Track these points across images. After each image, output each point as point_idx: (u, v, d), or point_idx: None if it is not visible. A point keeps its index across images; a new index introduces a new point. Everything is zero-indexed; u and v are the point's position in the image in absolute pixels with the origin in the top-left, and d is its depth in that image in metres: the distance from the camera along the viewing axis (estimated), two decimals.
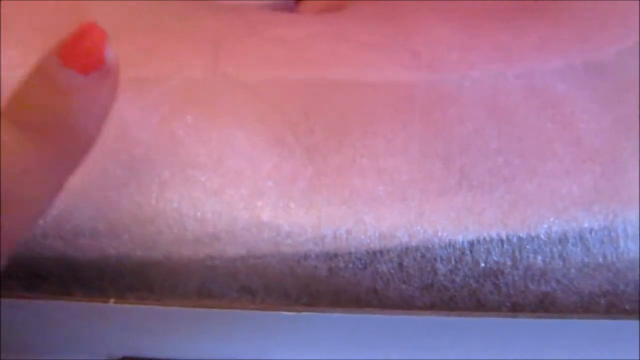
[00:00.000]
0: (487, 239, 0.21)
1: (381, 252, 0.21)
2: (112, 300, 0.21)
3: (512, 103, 0.27)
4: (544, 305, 0.21)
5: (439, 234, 0.21)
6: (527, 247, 0.21)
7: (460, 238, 0.21)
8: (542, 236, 0.21)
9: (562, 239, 0.21)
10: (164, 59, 0.29)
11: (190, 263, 0.22)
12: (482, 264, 0.21)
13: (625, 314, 0.21)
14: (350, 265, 0.21)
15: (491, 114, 0.26)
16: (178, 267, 0.22)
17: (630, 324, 0.20)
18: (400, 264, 0.21)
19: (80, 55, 0.18)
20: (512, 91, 0.28)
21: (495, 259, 0.21)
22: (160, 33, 0.31)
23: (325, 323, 0.21)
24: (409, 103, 0.26)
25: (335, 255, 0.21)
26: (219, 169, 0.22)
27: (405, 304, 0.22)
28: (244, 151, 0.23)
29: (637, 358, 0.20)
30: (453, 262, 0.21)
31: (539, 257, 0.21)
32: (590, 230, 0.21)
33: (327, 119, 0.25)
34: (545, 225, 0.21)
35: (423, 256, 0.21)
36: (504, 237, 0.21)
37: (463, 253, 0.21)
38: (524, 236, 0.21)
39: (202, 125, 0.25)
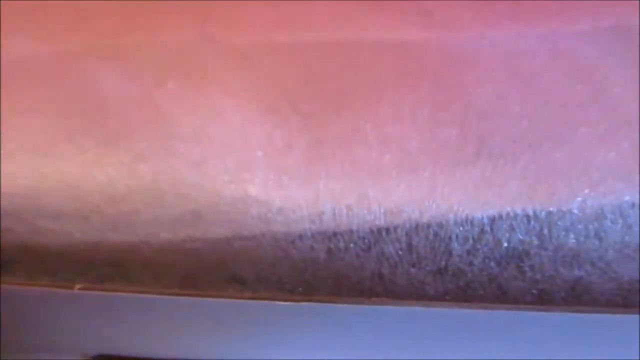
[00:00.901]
0: (511, 214, 0.18)
1: (387, 230, 0.18)
2: (77, 286, 0.18)
3: (536, 65, 0.24)
4: (576, 293, 0.19)
5: (455, 209, 0.18)
6: (558, 224, 0.18)
7: (479, 214, 0.18)
8: (575, 211, 0.18)
9: (599, 215, 0.18)
10: (146, 25, 0.26)
11: (171, 246, 0.19)
12: (505, 244, 0.18)
13: None
14: (352, 245, 0.19)
15: (513, 77, 0.23)
16: (156, 252, 0.19)
17: None
18: (410, 244, 0.18)
19: None
20: (536, 53, 0.25)
21: (520, 237, 0.18)
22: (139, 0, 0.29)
23: (325, 315, 0.18)
24: (418, 65, 0.23)
25: (335, 235, 0.19)
26: (202, 139, 0.20)
27: (414, 291, 0.19)
28: (231, 119, 0.20)
29: None
30: (471, 241, 0.18)
31: (572, 236, 0.18)
32: (632, 205, 0.18)
33: (327, 84, 0.22)
34: (579, 199, 0.18)
35: (436, 234, 0.18)
36: (531, 213, 0.18)
37: (482, 231, 0.18)
38: (554, 211, 0.18)
39: (185, 93, 0.22)
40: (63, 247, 0.20)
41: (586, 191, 0.18)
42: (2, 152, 0.20)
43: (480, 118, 0.21)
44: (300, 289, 0.20)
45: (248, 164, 0.19)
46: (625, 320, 0.18)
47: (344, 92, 0.22)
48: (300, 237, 0.19)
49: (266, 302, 0.18)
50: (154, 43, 0.25)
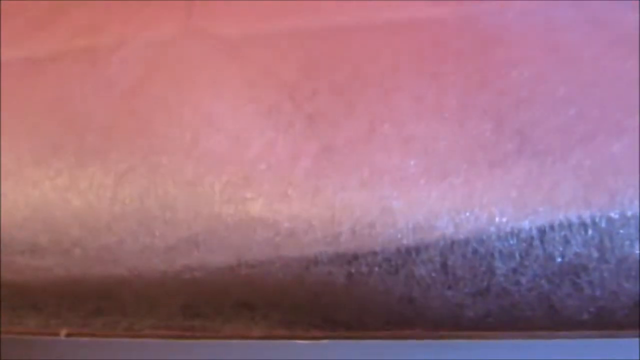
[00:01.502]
0: (564, 223, 0.15)
1: (417, 249, 0.16)
2: (64, 332, 0.16)
3: (574, 39, 0.21)
4: None
5: (497, 220, 0.15)
6: (621, 232, 0.15)
7: (526, 224, 0.15)
8: None
9: None
10: (126, 19, 0.23)
11: (165, 278, 0.17)
12: (559, 259, 0.15)
13: None
14: (376, 269, 0.16)
15: (549, 55, 0.20)
16: (150, 283, 0.17)
17: None
18: (444, 265, 0.16)
19: None
20: (571, 24, 0.21)
21: (577, 250, 0.15)
22: None
23: (349, 352, 0.15)
24: (439, 47, 0.20)
25: (356, 258, 0.16)
26: (193, 152, 0.17)
27: (451, 316, 0.16)
28: (226, 126, 0.18)
29: None
30: (517, 257, 0.15)
31: (637, 246, 0.15)
32: None
33: (335, 76, 0.19)
34: None
35: (475, 252, 0.16)
36: (588, 220, 0.15)
37: (531, 245, 0.15)
38: (616, 217, 0.15)
39: (172, 96, 0.19)
40: (45, 284, 0.17)
41: None
42: None
43: (518, 107, 0.18)
44: (317, 315, 0.17)
45: (249, 180, 0.16)
46: None
47: (354, 85, 0.19)
48: (315, 262, 0.16)
49: (280, 341, 0.16)
50: (135, 40, 0.22)
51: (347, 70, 0.19)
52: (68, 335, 0.16)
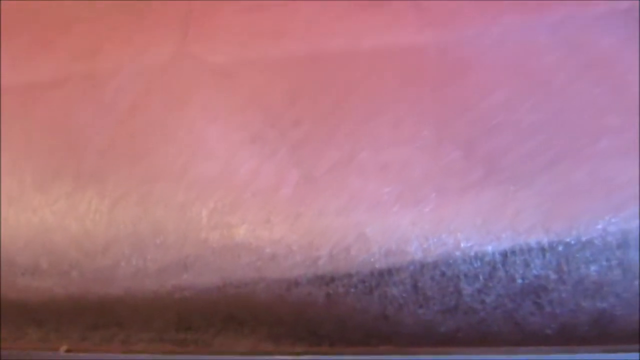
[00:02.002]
0: (525, 248, 0.16)
1: (390, 271, 0.17)
2: (63, 347, 0.17)
3: (546, 64, 0.22)
4: (600, 326, 0.17)
5: (462, 245, 0.17)
6: (577, 255, 0.16)
7: (489, 249, 0.17)
8: (596, 241, 0.16)
9: (622, 243, 0.16)
10: (122, 45, 0.24)
11: (158, 297, 0.18)
12: (520, 280, 0.17)
13: None
14: (353, 290, 0.17)
15: (521, 81, 0.21)
16: (145, 301, 0.18)
17: None
18: (415, 286, 0.17)
19: None
20: (545, 49, 0.22)
21: (536, 272, 0.17)
22: (119, 15, 0.27)
23: None
24: (418, 74, 0.21)
25: (333, 280, 0.17)
26: (184, 179, 0.18)
27: (424, 331, 0.18)
28: (215, 154, 0.19)
29: None
30: (481, 279, 0.17)
31: (593, 268, 0.16)
32: None
33: (317, 104, 0.21)
34: (600, 227, 0.16)
35: (443, 274, 0.17)
36: (546, 245, 0.16)
37: (494, 268, 0.17)
38: (573, 242, 0.16)
39: (165, 122, 0.20)
40: (46, 302, 0.18)
41: (608, 217, 0.17)
42: None
43: (488, 134, 0.19)
44: (301, 327, 0.19)
45: (234, 206, 0.18)
46: None
47: (336, 113, 0.20)
48: (296, 283, 0.17)
49: (264, 356, 0.17)
50: (131, 66, 0.23)
51: (330, 98, 0.20)
52: (68, 351, 0.17)
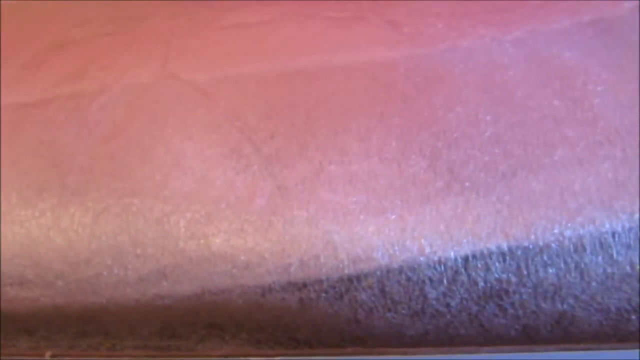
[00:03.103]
0: (485, 252, 0.17)
1: (358, 277, 0.18)
2: (48, 353, 0.18)
3: (510, 78, 0.23)
4: (562, 326, 0.18)
5: (426, 251, 0.18)
6: (536, 259, 0.17)
7: (452, 254, 0.17)
8: (553, 245, 0.17)
9: (578, 247, 0.17)
10: (107, 67, 0.26)
11: (139, 305, 0.19)
12: (482, 284, 0.17)
13: None
14: (324, 295, 0.18)
15: (486, 94, 0.22)
16: (127, 309, 0.19)
17: None
18: (382, 290, 0.18)
19: None
20: (511, 63, 0.24)
21: (497, 276, 0.17)
22: (106, 38, 0.28)
23: None
24: (387, 89, 0.22)
25: (304, 286, 0.18)
26: (162, 193, 0.19)
27: (394, 334, 0.18)
28: (192, 169, 0.20)
29: None
30: (445, 283, 0.18)
31: (551, 271, 0.17)
32: (613, 234, 0.17)
33: (291, 118, 0.22)
34: (556, 231, 0.17)
35: (409, 279, 0.18)
36: (506, 249, 0.17)
37: (457, 272, 0.17)
38: (531, 246, 0.17)
39: (146, 140, 0.21)
40: (34, 311, 0.19)
41: (564, 222, 0.17)
42: None
43: (451, 146, 0.20)
44: (279, 332, 0.19)
45: (210, 217, 0.18)
46: (623, 355, 0.17)
47: (307, 126, 0.21)
48: (270, 289, 0.18)
49: (241, 358, 0.18)
50: (114, 87, 0.24)
51: (303, 113, 0.21)
52: (52, 356, 0.18)
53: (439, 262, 0.17)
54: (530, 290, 0.17)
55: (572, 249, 0.17)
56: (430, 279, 0.17)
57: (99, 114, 0.22)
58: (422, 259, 0.17)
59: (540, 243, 0.17)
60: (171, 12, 0.29)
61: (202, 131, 0.21)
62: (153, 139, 0.21)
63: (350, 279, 0.18)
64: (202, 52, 0.25)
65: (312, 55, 0.25)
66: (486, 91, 0.22)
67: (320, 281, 0.18)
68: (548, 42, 0.24)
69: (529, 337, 0.18)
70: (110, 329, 0.20)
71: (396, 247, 0.18)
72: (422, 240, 0.17)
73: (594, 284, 0.17)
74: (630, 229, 0.17)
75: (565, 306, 0.18)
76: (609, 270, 0.17)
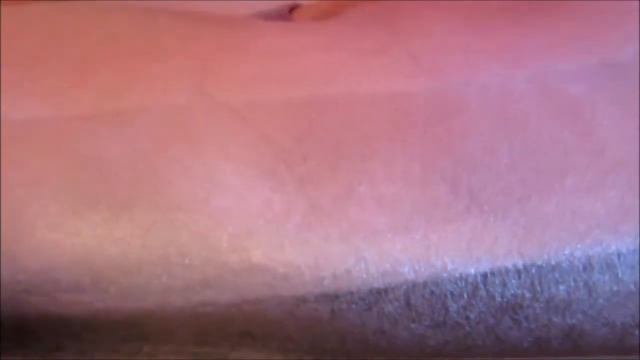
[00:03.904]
0: (502, 270, 0.19)
1: (386, 290, 0.19)
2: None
3: (523, 110, 0.25)
4: (571, 339, 0.19)
5: (448, 267, 0.19)
6: (548, 276, 0.19)
7: (472, 271, 0.19)
8: (564, 264, 0.19)
9: (587, 266, 0.19)
10: (146, 86, 0.28)
11: (182, 312, 0.20)
12: (499, 298, 0.19)
13: None
14: (354, 306, 0.20)
15: (501, 125, 0.24)
16: (170, 315, 0.21)
17: None
18: (408, 303, 0.19)
19: None
20: (524, 96, 0.26)
21: (512, 291, 0.19)
22: (143, 56, 0.30)
23: None
24: (409, 117, 0.24)
25: (337, 297, 0.20)
26: (205, 209, 0.21)
27: (416, 344, 0.20)
28: (231, 187, 0.22)
29: None
30: (466, 297, 0.19)
31: (562, 288, 0.19)
32: (619, 255, 0.19)
33: (322, 142, 0.23)
34: (567, 252, 0.19)
35: (432, 293, 0.19)
36: (521, 267, 0.19)
37: (476, 287, 0.19)
38: (544, 265, 0.19)
39: (186, 159, 0.23)
40: (85, 316, 0.21)
41: (574, 244, 0.19)
42: (21, 227, 0.21)
43: (470, 172, 0.22)
44: (307, 343, 0.21)
45: (250, 232, 0.20)
46: None
47: (337, 150, 0.23)
48: (304, 300, 0.20)
49: None
50: (154, 106, 0.26)
51: (332, 138, 0.23)
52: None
53: (460, 277, 0.19)
54: (542, 305, 0.19)
55: (581, 268, 0.19)
56: (452, 293, 0.19)
57: (140, 131, 0.24)
58: (444, 274, 0.19)
59: (553, 262, 0.19)
60: (203, 36, 0.31)
61: (239, 151, 0.23)
62: (193, 157, 0.23)
63: (378, 292, 0.19)
64: (234, 75, 0.27)
65: (338, 83, 0.27)
66: (501, 122, 0.24)
67: (351, 293, 0.19)
68: (557, 78, 0.26)
69: (540, 349, 0.20)
70: (150, 335, 0.22)
71: (421, 263, 0.19)
72: (445, 258, 0.19)
73: (601, 300, 0.19)
74: (634, 251, 0.19)
75: (574, 320, 0.19)
76: (614, 288, 0.19)
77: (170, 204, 0.21)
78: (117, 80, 0.28)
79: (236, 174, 0.22)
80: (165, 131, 0.25)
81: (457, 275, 0.19)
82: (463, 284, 0.19)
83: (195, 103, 0.27)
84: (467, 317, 0.19)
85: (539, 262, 0.19)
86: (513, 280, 0.19)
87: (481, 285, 0.19)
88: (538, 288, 0.19)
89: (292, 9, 0.40)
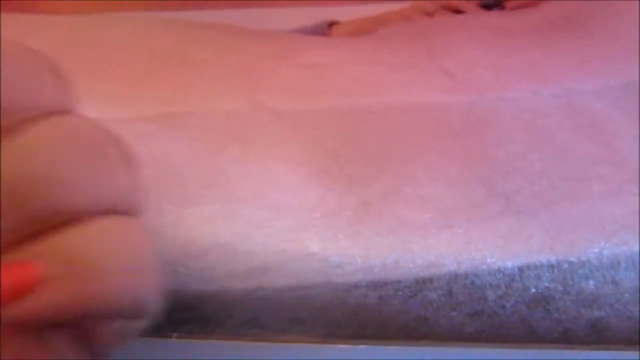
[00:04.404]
0: (537, 264, 0.21)
1: (430, 279, 0.21)
2: (174, 335, 0.22)
3: (551, 124, 0.27)
4: (597, 330, 0.21)
5: (487, 260, 0.21)
6: (578, 272, 0.21)
7: (509, 264, 0.21)
8: (594, 261, 0.21)
9: (614, 264, 0.21)
10: (203, 93, 0.30)
11: (243, 294, 0.22)
12: (533, 290, 0.21)
13: None
14: (400, 293, 0.22)
15: (531, 136, 0.26)
16: (231, 298, 0.23)
17: None
18: (450, 291, 0.21)
19: None
20: (550, 111, 0.28)
21: (546, 284, 0.21)
22: (196, 66, 0.32)
23: (379, 356, 0.21)
24: (447, 127, 0.27)
25: (385, 284, 0.22)
26: (265, 202, 0.23)
27: (455, 331, 0.22)
28: (287, 184, 0.24)
29: None
30: (503, 288, 0.21)
31: (591, 282, 0.21)
32: None
33: (367, 146, 0.26)
34: (596, 250, 0.21)
35: (472, 283, 0.21)
36: (554, 263, 0.21)
37: (512, 279, 0.21)
38: (575, 261, 0.21)
39: (245, 158, 0.25)
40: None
41: (602, 243, 0.21)
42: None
43: (505, 177, 0.24)
44: (352, 328, 0.23)
45: (307, 224, 0.22)
46: None
47: (381, 155, 0.25)
48: (355, 286, 0.22)
49: (327, 345, 0.21)
50: (211, 110, 0.28)
51: (375, 144, 0.25)
52: (179, 337, 0.22)
53: (498, 270, 0.21)
54: (573, 298, 0.21)
55: (609, 265, 0.21)
56: (490, 284, 0.21)
57: (199, 133, 0.26)
58: (484, 267, 0.21)
59: (583, 259, 0.21)
60: (249, 47, 0.34)
61: (291, 154, 0.25)
62: (249, 157, 0.25)
63: (423, 281, 0.21)
64: (283, 86, 0.30)
65: (378, 95, 0.29)
66: (531, 134, 0.26)
67: (398, 281, 0.21)
68: (582, 96, 0.29)
69: (568, 339, 0.22)
70: (209, 318, 0.24)
71: (463, 256, 0.21)
72: (485, 252, 0.21)
73: (626, 295, 0.21)
74: None
75: (601, 313, 0.21)
76: (638, 284, 0.21)
77: (231, 197, 0.23)
78: (174, 86, 0.31)
79: (291, 172, 0.24)
80: (223, 133, 0.27)
81: (496, 267, 0.21)
82: (500, 275, 0.21)
83: (247, 109, 0.29)
84: (503, 307, 0.21)
85: (570, 259, 0.21)
86: (546, 274, 0.21)
87: (517, 278, 0.21)
88: (569, 282, 0.21)
89: (330, 25, 0.43)
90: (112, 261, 0.10)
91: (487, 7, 0.42)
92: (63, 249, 0.10)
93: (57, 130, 0.11)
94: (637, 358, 0.21)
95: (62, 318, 0.10)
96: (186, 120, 0.28)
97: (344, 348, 0.21)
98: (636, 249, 0.21)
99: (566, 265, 0.21)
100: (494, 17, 0.37)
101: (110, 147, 0.13)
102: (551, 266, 0.21)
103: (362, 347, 0.21)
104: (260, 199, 0.23)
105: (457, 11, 0.42)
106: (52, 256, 0.10)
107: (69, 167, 0.11)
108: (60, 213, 0.11)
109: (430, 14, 0.43)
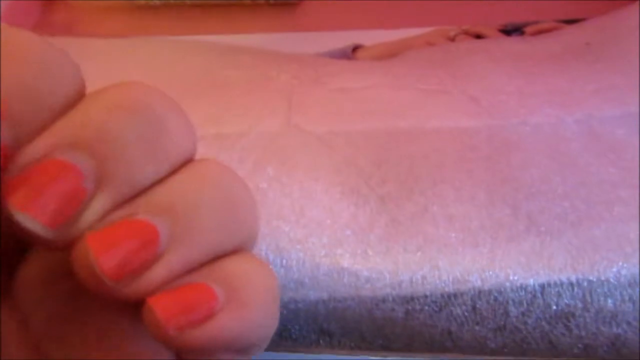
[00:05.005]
0: (558, 282, 0.22)
1: (455, 295, 0.23)
2: None
3: (573, 148, 0.28)
4: (616, 347, 0.22)
5: (511, 278, 0.22)
6: (598, 290, 0.22)
7: (531, 282, 0.22)
8: (612, 280, 0.22)
9: (632, 283, 0.22)
10: (240, 114, 0.32)
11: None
12: (554, 307, 0.22)
13: None
14: (426, 307, 0.23)
15: (554, 160, 0.27)
16: None
17: None
18: (474, 307, 0.23)
19: None
20: (573, 136, 0.29)
21: (566, 302, 0.22)
22: (232, 88, 0.35)
23: None
24: (473, 150, 0.28)
25: (412, 299, 0.23)
26: (301, 220, 0.25)
27: (478, 345, 0.23)
28: (322, 202, 0.25)
29: None
30: (525, 304, 0.22)
31: (610, 300, 0.22)
32: None
33: (398, 168, 0.27)
34: (615, 269, 0.22)
35: (496, 299, 0.22)
36: (574, 281, 0.22)
37: (534, 296, 0.22)
38: (594, 279, 0.22)
39: (282, 178, 0.27)
40: None
41: (621, 263, 0.22)
42: None
43: (529, 198, 0.25)
44: (379, 342, 0.24)
45: (340, 241, 0.24)
46: None
47: (411, 175, 0.27)
48: (383, 300, 0.23)
49: (355, 356, 0.23)
50: (252, 132, 0.30)
51: (406, 166, 0.27)
52: None
53: (521, 287, 0.22)
54: (592, 315, 0.22)
55: (627, 284, 0.22)
56: (513, 300, 0.22)
57: (241, 153, 0.28)
58: (507, 284, 0.22)
59: (602, 278, 0.22)
60: (287, 73, 0.36)
61: (326, 174, 0.27)
62: (287, 177, 0.27)
63: (449, 296, 0.23)
64: (317, 109, 0.32)
65: (408, 118, 0.31)
66: (554, 157, 0.27)
67: (425, 296, 0.23)
68: (603, 122, 0.30)
69: (588, 355, 0.23)
70: None
71: (487, 273, 0.23)
72: (508, 269, 0.23)
73: None
74: None
75: (619, 330, 0.22)
76: None
77: (271, 214, 0.25)
78: (213, 110, 0.33)
79: (325, 192, 0.26)
80: (262, 154, 0.29)
81: (518, 284, 0.22)
82: (523, 292, 0.22)
83: (285, 131, 0.31)
84: (525, 322, 0.22)
85: (590, 277, 0.22)
86: (567, 292, 0.22)
87: (539, 295, 0.22)
88: (589, 299, 0.22)
89: (355, 49, 0.44)
90: (267, 295, 0.10)
91: (507, 32, 0.43)
92: (234, 277, 0.10)
93: (225, 167, 0.11)
94: None
95: (231, 347, 0.10)
96: (228, 140, 0.30)
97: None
98: None
99: (586, 284, 0.22)
100: (515, 43, 0.39)
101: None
102: (571, 284, 0.22)
103: (388, 359, 0.22)
104: (297, 216, 0.25)
105: (478, 36, 0.43)
106: (226, 283, 0.10)
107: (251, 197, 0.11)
108: (243, 240, 0.11)
109: (451, 39, 0.45)
